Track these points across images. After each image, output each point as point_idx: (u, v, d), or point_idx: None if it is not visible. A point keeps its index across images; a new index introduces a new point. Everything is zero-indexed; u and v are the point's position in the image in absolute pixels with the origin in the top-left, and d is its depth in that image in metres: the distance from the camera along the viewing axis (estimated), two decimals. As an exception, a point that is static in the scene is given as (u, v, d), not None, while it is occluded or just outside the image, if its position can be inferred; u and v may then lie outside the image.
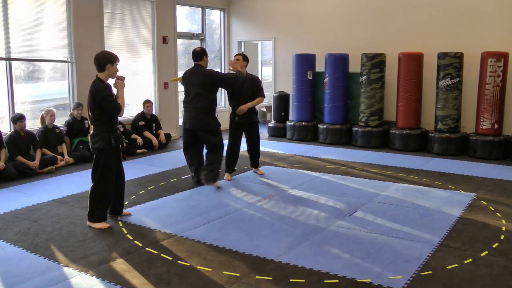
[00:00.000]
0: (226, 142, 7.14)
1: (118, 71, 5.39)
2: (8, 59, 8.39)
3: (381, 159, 8.95)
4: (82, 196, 6.58)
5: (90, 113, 5.35)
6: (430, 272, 4.19)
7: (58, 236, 5.11)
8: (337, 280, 4.04)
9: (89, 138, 5.44)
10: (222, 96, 12.84)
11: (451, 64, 9.38)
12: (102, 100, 5.19)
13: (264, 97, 7.43)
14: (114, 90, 5.44)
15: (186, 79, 6.91)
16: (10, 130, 8.10)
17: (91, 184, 5.43)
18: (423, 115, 10.24)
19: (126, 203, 6.16)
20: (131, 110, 10.19)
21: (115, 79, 5.41)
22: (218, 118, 7.05)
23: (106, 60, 5.28)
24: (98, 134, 5.29)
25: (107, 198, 5.44)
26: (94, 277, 4.13)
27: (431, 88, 10.05)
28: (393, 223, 5.43)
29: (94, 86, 5.23)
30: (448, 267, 4.29)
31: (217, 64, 13.27)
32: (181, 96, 11.97)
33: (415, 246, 4.76)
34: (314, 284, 3.98)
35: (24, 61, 8.78)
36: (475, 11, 9.76)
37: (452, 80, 9.42)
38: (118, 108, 5.27)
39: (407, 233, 5.14)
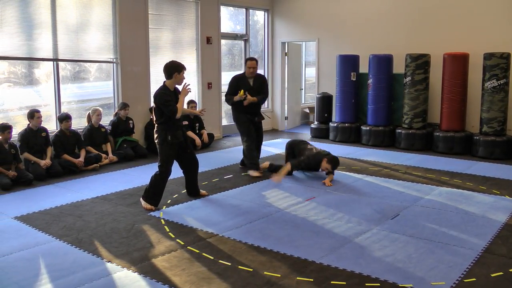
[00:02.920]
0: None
1: (184, 79, 6.04)
2: (56, 60, 8.60)
3: (424, 162, 8.81)
4: (125, 193, 6.71)
5: (153, 113, 6.05)
6: (474, 279, 4.10)
7: (102, 232, 5.22)
8: (379, 284, 4.00)
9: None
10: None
11: (498, 65, 9.15)
12: (161, 104, 5.83)
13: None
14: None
15: None
16: (56, 129, 8.31)
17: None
18: (468, 117, 10.03)
19: (168, 201, 6.30)
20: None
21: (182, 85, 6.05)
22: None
23: (174, 69, 5.94)
24: (158, 131, 6.02)
25: (161, 185, 6.05)
26: (136, 273, 4.21)
27: (477, 90, 9.82)
28: (436, 228, 5.34)
29: (156, 91, 5.93)
30: (492, 275, 4.18)
31: (261, 64, 13.26)
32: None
33: (459, 252, 4.67)
34: (355, 287, 3.95)
35: (71, 62, 8.98)
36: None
37: (499, 82, 9.19)
38: (174, 111, 5.85)
39: (451, 238, 5.04)
